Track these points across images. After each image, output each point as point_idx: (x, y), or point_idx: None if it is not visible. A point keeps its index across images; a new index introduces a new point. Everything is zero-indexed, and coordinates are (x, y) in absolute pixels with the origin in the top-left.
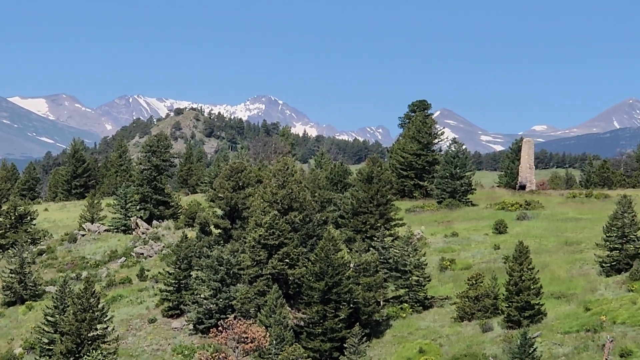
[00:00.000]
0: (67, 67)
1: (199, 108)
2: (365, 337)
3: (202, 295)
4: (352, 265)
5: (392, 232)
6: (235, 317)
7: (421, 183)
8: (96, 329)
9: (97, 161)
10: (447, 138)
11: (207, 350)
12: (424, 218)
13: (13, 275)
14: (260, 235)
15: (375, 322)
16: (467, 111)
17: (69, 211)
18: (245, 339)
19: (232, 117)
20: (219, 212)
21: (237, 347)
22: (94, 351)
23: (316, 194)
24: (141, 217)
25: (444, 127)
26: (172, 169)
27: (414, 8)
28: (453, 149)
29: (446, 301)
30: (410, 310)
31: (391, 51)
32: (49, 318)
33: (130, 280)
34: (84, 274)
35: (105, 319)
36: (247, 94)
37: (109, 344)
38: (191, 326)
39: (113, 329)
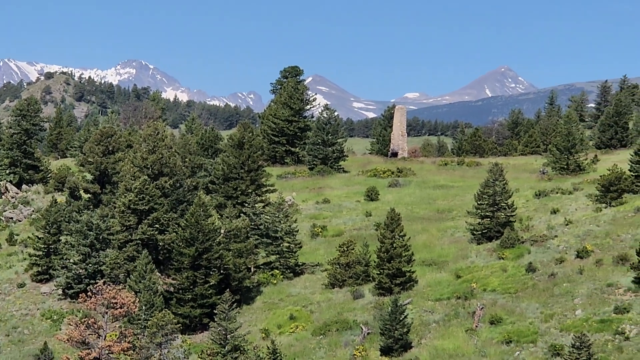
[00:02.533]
0: None
1: (70, 72)
2: (235, 304)
3: (71, 260)
4: (222, 231)
5: (263, 198)
6: (104, 283)
7: (293, 149)
8: None
9: None
10: (319, 104)
11: (76, 316)
12: (295, 184)
13: None
14: (130, 201)
15: (246, 289)
16: (340, 78)
17: None
18: (115, 305)
19: (103, 81)
20: (89, 176)
21: (107, 313)
22: None
23: (187, 160)
24: (10, 182)
25: (316, 94)
26: (42, 133)
27: None
28: (325, 115)
29: (317, 268)
30: (281, 276)
31: (262, 15)
32: None
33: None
34: None
35: None
36: (117, 58)
37: None
38: (60, 291)
39: None
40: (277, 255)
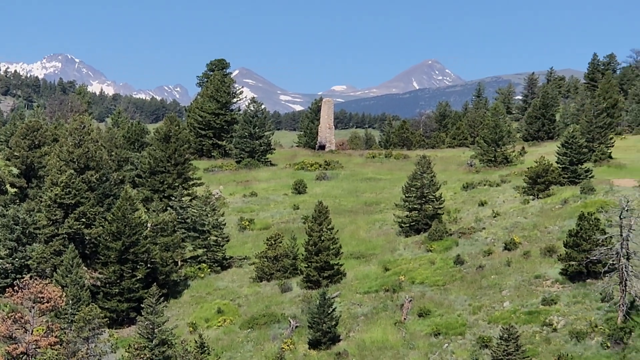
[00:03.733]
0: None
1: None
2: (162, 297)
3: None
4: (149, 225)
5: (190, 191)
6: (31, 277)
7: (220, 142)
8: None
9: None
10: (245, 97)
11: (3, 310)
12: (222, 178)
13: None
14: (56, 195)
15: (173, 283)
16: (267, 71)
17: None
18: (42, 299)
19: (29, 75)
20: (15, 170)
21: (33, 307)
22: None
23: (113, 153)
24: None
25: (242, 87)
26: None
27: None
28: (252, 108)
29: (245, 261)
30: (209, 270)
31: (187, 6)
32: None
33: None
34: None
35: None
36: (43, 52)
37: None
38: None
39: None
40: (205, 249)
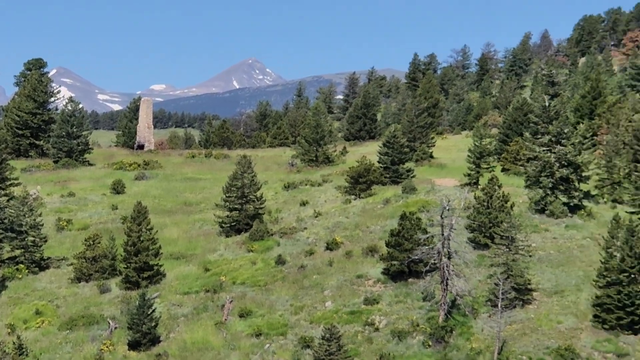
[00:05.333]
0: None
1: None
2: None
3: None
4: None
5: (7, 191)
6: None
7: (37, 142)
8: None
9: None
10: (63, 97)
11: None
12: (39, 178)
13: None
14: None
15: None
16: (84, 70)
17: None
18: None
19: None
20: None
21: None
22: None
23: None
24: None
25: (60, 86)
26: None
27: None
28: (69, 107)
29: (63, 262)
30: (27, 271)
31: (3, 7)
32: None
33: None
34: None
35: None
36: None
37: None
38: None
39: None
40: (22, 250)
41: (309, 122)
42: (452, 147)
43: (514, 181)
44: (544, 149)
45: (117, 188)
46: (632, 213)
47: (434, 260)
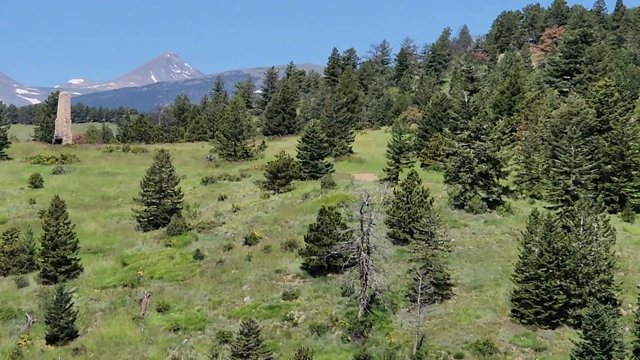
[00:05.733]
0: None
1: None
2: None
3: None
4: None
5: None
6: None
7: None
8: None
9: None
10: None
11: None
12: None
13: None
14: None
15: None
16: (3, 64)
17: None
18: None
19: None
20: None
21: None
22: None
23: None
24: None
25: None
26: None
27: None
28: None
29: None
30: None
31: None
32: None
33: None
34: None
35: None
36: None
37: None
38: None
39: None
40: None
41: (227, 116)
42: (372, 142)
43: (433, 176)
44: (463, 144)
45: (35, 182)
46: (550, 208)
47: (353, 255)
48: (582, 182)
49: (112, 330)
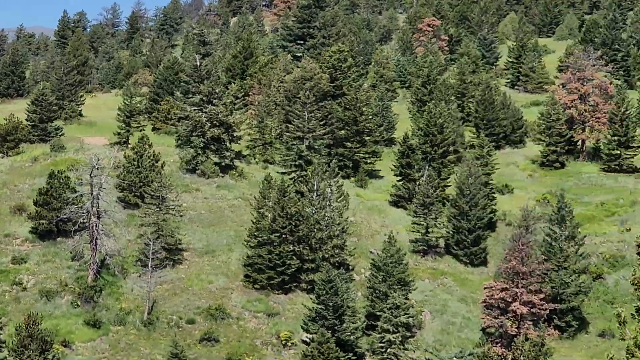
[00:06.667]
0: None
1: None
2: None
3: None
4: None
5: None
6: None
7: None
8: None
9: None
10: None
11: None
12: None
13: None
14: None
15: None
16: None
17: None
18: None
19: None
20: None
21: None
22: None
23: None
24: None
25: None
26: None
27: None
28: None
29: None
30: None
31: None
32: None
33: None
34: None
35: None
36: None
37: None
38: None
39: None
40: None
41: None
42: (102, 106)
43: (165, 140)
44: (195, 108)
45: None
46: (284, 173)
47: (83, 219)
48: (316, 147)
49: None
